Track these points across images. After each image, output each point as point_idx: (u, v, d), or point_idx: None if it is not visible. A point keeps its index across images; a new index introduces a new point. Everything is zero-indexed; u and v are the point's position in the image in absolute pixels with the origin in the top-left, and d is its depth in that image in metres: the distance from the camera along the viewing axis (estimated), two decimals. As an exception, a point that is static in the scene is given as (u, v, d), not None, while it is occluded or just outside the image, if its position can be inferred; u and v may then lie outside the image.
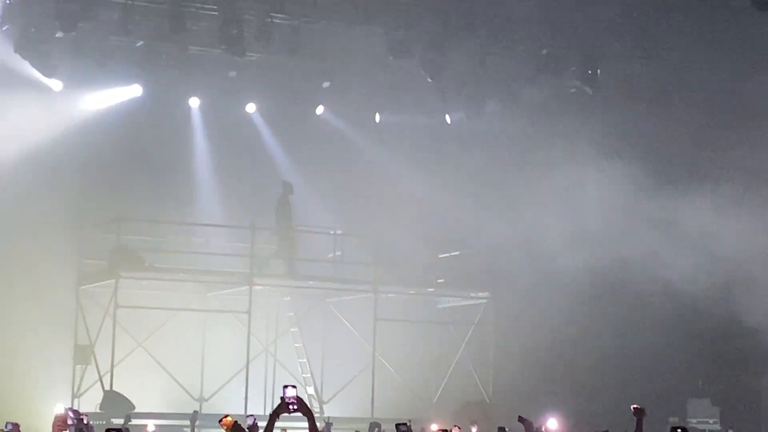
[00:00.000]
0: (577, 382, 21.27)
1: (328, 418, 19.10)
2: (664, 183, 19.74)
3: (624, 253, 19.37)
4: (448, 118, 24.38)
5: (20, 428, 12.32)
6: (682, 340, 21.04)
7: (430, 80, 21.65)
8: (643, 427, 9.85)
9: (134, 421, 17.46)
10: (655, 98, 21.56)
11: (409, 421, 10.73)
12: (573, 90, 22.50)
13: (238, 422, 8.64)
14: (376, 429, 16.54)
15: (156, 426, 15.43)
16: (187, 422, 18.21)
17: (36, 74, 21.27)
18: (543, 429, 10.86)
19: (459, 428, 13.36)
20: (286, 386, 7.82)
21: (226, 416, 8.60)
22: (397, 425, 10.09)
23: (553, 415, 11.23)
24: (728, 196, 18.89)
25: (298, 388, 7.97)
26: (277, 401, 8.15)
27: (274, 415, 7.90)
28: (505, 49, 21.40)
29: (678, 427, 10.07)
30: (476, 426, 15.99)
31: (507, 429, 11.95)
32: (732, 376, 21.35)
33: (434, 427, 14.18)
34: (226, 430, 8.38)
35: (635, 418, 9.84)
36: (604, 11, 20.54)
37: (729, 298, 18.83)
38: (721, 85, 20.38)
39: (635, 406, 10.13)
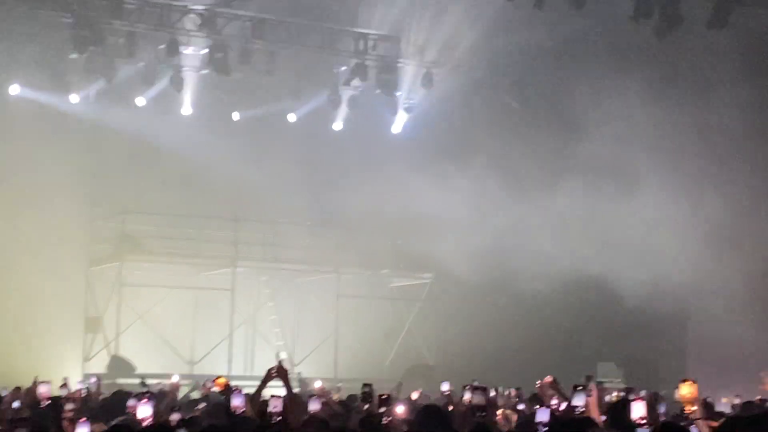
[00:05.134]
0: (505, 348, 21.93)
1: (300, 373, 20.60)
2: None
3: (518, 249, 20.67)
4: (394, 128, 25.00)
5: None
6: (589, 319, 22.32)
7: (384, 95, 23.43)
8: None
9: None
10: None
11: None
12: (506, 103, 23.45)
13: (229, 383, 8.85)
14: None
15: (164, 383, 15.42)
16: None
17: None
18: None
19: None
20: (280, 359, 9.02)
21: (219, 377, 9.04)
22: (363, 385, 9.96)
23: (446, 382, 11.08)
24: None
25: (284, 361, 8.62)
26: (257, 363, 9.41)
27: (263, 384, 8.47)
28: (449, 71, 23.26)
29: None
30: (418, 391, 15.25)
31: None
32: (631, 345, 22.05)
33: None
34: (219, 389, 8.70)
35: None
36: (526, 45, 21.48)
37: (616, 285, 20.09)
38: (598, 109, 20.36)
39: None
